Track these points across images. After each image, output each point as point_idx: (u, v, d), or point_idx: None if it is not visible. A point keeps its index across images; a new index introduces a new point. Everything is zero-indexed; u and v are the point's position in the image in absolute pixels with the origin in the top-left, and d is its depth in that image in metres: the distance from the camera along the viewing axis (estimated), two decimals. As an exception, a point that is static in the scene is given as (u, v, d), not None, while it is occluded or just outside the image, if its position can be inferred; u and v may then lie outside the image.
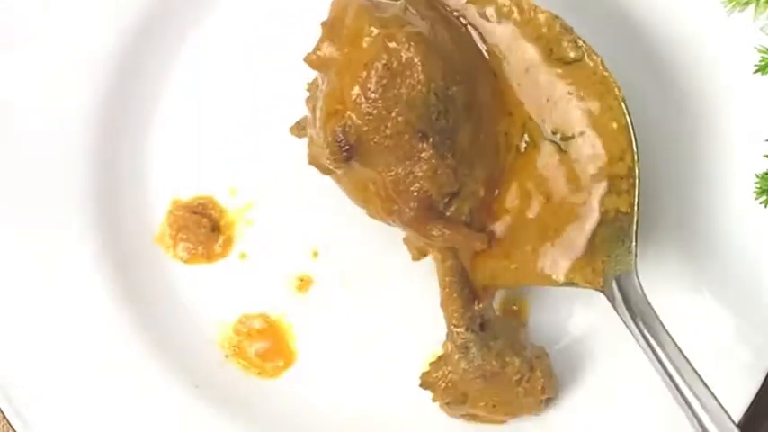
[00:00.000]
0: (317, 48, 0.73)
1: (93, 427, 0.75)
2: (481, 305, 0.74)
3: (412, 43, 0.69)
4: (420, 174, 0.70)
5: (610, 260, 0.70)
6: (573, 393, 0.77)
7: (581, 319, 0.78)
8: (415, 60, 0.69)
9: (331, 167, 0.73)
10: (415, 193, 0.71)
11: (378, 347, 0.79)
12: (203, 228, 0.80)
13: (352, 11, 0.71)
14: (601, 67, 0.71)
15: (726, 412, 0.65)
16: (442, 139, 0.70)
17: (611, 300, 0.70)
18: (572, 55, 0.72)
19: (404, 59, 0.69)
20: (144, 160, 0.81)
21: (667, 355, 0.67)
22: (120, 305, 0.78)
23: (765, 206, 0.69)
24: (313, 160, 0.75)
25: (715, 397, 0.65)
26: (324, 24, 0.73)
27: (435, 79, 0.69)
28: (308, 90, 0.76)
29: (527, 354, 0.75)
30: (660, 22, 0.78)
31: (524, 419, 0.76)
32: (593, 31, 0.80)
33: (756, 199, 0.69)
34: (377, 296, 0.80)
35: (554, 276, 0.71)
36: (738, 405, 0.72)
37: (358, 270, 0.80)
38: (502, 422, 0.76)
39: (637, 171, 0.70)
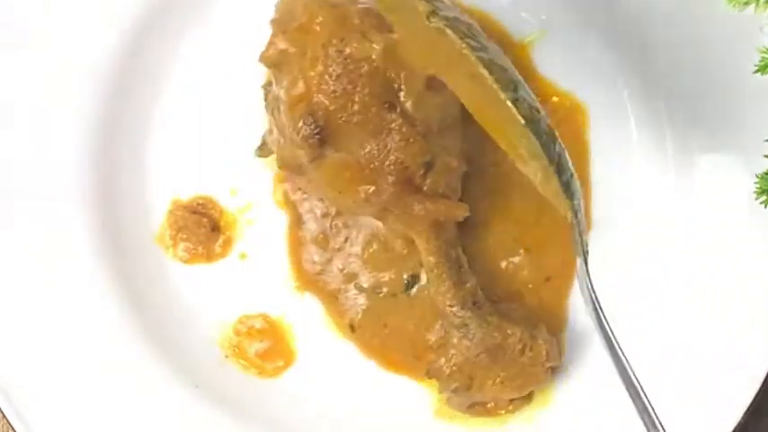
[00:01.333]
0: (270, 44, 0.73)
1: (94, 427, 0.75)
2: (473, 281, 0.75)
3: (365, 18, 0.70)
4: (393, 145, 0.71)
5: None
6: (569, 396, 0.77)
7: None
8: (370, 33, 0.70)
9: (305, 159, 0.72)
10: (392, 167, 0.71)
11: (377, 347, 0.79)
12: (203, 228, 0.80)
13: (302, 1, 0.72)
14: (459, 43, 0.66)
15: (633, 374, 0.65)
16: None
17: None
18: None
19: (359, 34, 0.70)
20: (144, 160, 0.81)
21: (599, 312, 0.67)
22: (120, 305, 0.78)
23: (765, 206, 0.69)
24: (284, 162, 0.75)
25: (630, 366, 0.65)
26: (273, 21, 0.74)
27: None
28: (264, 98, 0.76)
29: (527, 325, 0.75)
30: (660, 22, 0.78)
31: (519, 423, 0.76)
32: (593, 32, 0.80)
33: (756, 199, 0.69)
34: (377, 296, 0.80)
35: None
36: (740, 402, 0.73)
37: (358, 270, 0.80)
38: (507, 411, 0.76)
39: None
